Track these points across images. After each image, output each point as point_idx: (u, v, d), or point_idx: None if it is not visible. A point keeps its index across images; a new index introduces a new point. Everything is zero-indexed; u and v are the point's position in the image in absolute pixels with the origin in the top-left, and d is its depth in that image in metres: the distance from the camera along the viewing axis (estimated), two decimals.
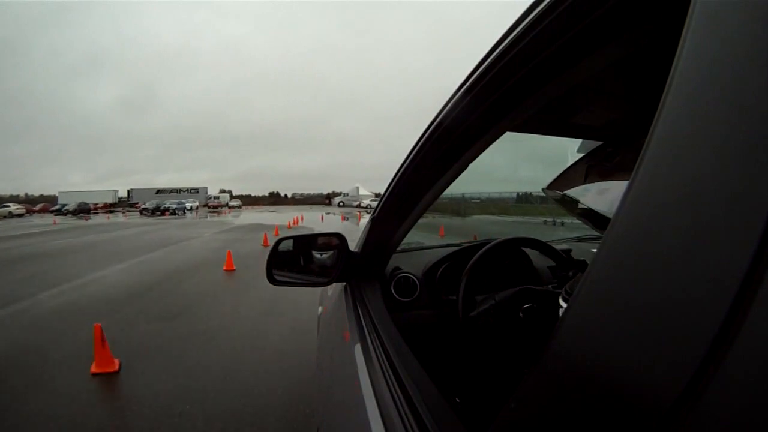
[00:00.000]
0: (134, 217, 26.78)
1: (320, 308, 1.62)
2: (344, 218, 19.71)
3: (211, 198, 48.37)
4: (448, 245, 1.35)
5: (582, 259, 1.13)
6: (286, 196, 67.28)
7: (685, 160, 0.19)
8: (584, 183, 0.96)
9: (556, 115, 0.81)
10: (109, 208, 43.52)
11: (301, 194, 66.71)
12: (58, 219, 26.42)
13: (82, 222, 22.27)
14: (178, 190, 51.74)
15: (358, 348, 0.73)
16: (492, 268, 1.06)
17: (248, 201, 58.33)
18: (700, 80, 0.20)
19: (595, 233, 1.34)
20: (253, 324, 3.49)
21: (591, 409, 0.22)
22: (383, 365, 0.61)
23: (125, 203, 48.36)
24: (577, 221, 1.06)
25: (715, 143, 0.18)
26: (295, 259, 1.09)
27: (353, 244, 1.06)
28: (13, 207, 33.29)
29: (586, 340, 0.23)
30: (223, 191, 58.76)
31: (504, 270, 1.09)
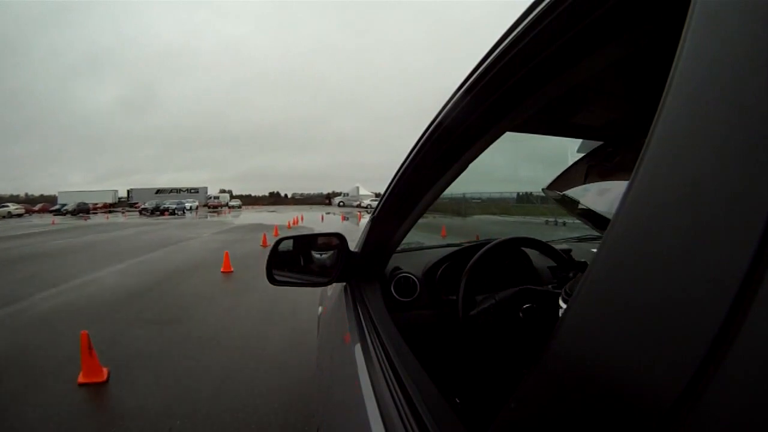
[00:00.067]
0: (133, 217, 26.67)
1: (320, 308, 1.62)
2: (344, 218, 19.70)
3: (211, 198, 48.35)
4: (448, 245, 1.35)
5: (583, 260, 1.13)
6: (286, 196, 67.29)
7: (685, 160, 0.19)
8: (584, 183, 0.96)
9: (556, 115, 0.81)
10: (109, 208, 43.52)
11: (301, 194, 66.72)
12: (57, 219, 26.30)
13: (81, 222, 22.17)
14: (178, 190, 51.72)
15: (358, 348, 0.73)
16: (492, 268, 1.06)
17: (248, 201, 58.33)
18: (700, 80, 0.20)
19: (595, 233, 1.34)
20: (249, 330, 3.36)
21: (591, 409, 0.22)
22: (383, 365, 0.61)
23: (125, 203, 48.36)
24: (578, 221, 1.06)
25: (715, 143, 0.18)
26: (295, 259, 1.09)
27: (353, 244, 1.06)
28: (12, 207, 33.20)
29: (586, 340, 0.23)
30: (223, 191, 58.80)
31: (504, 270, 1.09)
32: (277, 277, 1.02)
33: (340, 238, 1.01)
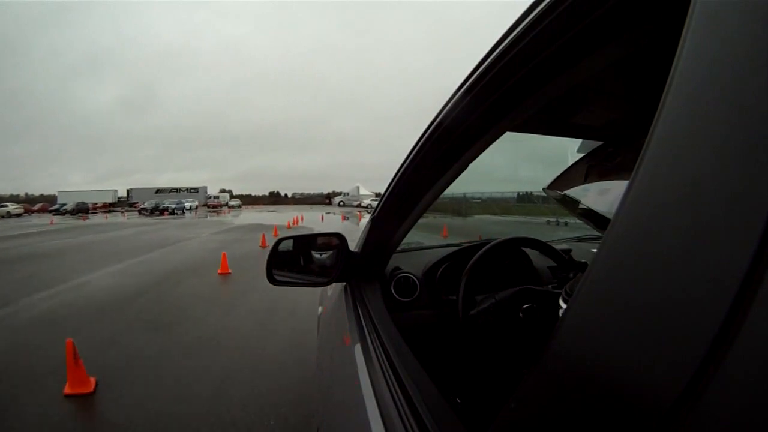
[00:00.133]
0: (133, 217, 26.55)
1: (320, 308, 1.62)
2: (344, 218, 19.67)
3: (210, 198, 48.36)
4: (449, 245, 1.35)
5: (583, 260, 1.13)
6: (286, 195, 67.31)
7: (685, 160, 0.19)
8: (584, 183, 0.96)
9: (556, 115, 0.81)
10: (108, 207, 43.48)
11: (302, 194, 66.73)
12: (56, 219, 26.18)
13: (80, 222, 22.05)
14: (178, 190, 51.71)
15: (358, 348, 0.73)
16: (492, 268, 1.06)
17: (248, 201, 58.35)
18: (700, 80, 0.20)
19: (596, 233, 1.34)
20: (246, 337, 3.21)
21: (591, 409, 0.22)
22: (383, 365, 0.61)
23: (125, 203, 48.35)
24: (579, 221, 1.06)
25: (715, 143, 0.18)
26: (295, 259, 1.09)
27: (353, 245, 1.06)
28: (11, 207, 33.07)
29: (586, 340, 0.23)
30: (223, 191, 58.80)
31: (504, 270, 1.09)
32: (277, 277, 1.02)
33: (340, 238, 1.01)
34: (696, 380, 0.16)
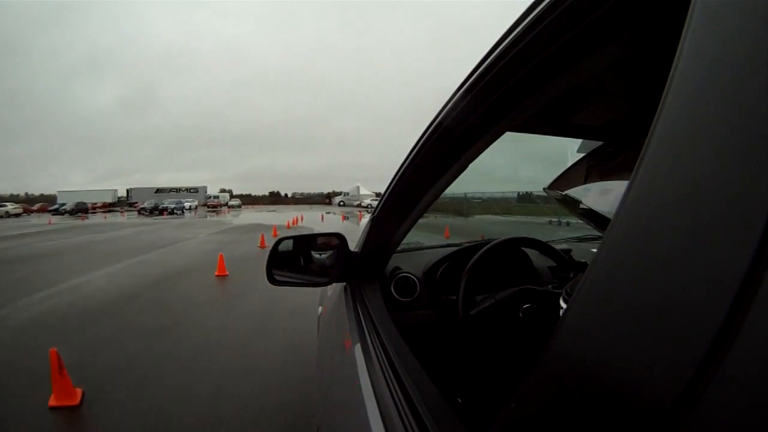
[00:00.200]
0: (132, 217, 26.45)
1: (320, 308, 1.62)
2: (345, 218, 19.65)
3: (210, 197, 48.35)
4: (449, 245, 1.35)
5: (583, 261, 1.13)
6: (286, 195, 67.31)
7: (685, 160, 0.19)
8: (585, 183, 0.96)
9: (556, 115, 0.81)
10: (108, 207, 43.44)
11: (302, 194, 66.74)
12: (55, 219, 26.05)
13: (78, 222, 21.92)
14: (178, 190, 51.71)
15: (358, 348, 0.73)
16: (492, 268, 1.06)
17: (248, 200, 58.37)
18: (700, 80, 0.20)
19: (596, 233, 1.34)
20: (241, 345, 3.06)
21: (591, 409, 0.22)
22: (383, 365, 0.61)
23: (124, 203, 48.34)
24: (580, 221, 1.06)
25: (715, 143, 0.18)
26: (295, 259, 1.09)
27: (354, 245, 1.06)
28: (10, 207, 32.94)
29: (586, 340, 0.23)
30: (223, 191, 58.79)
31: (504, 270, 1.09)
32: (277, 277, 1.02)
33: (340, 238, 1.01)
34: (696, 380, 0.16)
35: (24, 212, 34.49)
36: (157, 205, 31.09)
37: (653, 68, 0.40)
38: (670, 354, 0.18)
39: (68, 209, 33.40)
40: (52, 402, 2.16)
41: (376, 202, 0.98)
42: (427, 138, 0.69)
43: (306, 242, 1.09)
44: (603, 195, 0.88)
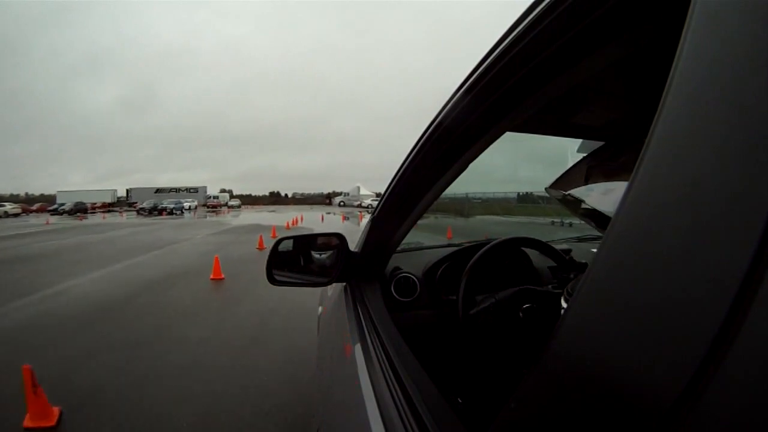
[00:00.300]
0: (131, 217, 26.30)
1: (320, 308, 1.62)
2: (345, 218, 19.62)
3: (210, 198, 48.34)
4: (449, 245, 1.35)
5: (584, 261, 1.13)
6: (286, 195, 67.32)
7: (685, 160, 0.19)
8: (585, 183, 0.96)
9: (556, 115, 0.81)
10: (108, 207, 43.40)
11: (302, 194, 66.75)
12: (54, 219, 25.84)
13: (77, 222, 21.74)
14: (177, 190, 51.69)
15: (358, 348, 0.73)
16: (492, 268, 1.06)
17: (248, 201, 58.37)
18: (700, 80, 0.20)
19: (596, 233, 1.34)
20: (236, 358, 2.85)
21: (591, 409, 0.22)
22: (383, 365, 0.61)
23: (124, 203, 48.33)
24: (582, 221, 1.06)
25: (715, 143, 0.18)
26: (295, 259, 1.09)
27: (354, 245, 1.06)
28: (8, 206, 32.75)
29: (586, 340, 0.23)
30: (223, 191, 58.81)
31: (504, 270, 1.09)
32: (277, 277, 1.02)
33: (340, 238, 1.01)
34: (696, 380, 0.16)
35: (23, 212, 34.35)
36: (156, 205, 31.04)
37: (653, 68, 0.40)
38: (670, 354, 0.18)
39: (67, 209, 33.29)
40: (27, 423, 2.02)
41: (377, 203, 0.98)
42: (427, 138, 0.69)
43: (306, 242, 1.09)
44: (604, 195, 0.88)
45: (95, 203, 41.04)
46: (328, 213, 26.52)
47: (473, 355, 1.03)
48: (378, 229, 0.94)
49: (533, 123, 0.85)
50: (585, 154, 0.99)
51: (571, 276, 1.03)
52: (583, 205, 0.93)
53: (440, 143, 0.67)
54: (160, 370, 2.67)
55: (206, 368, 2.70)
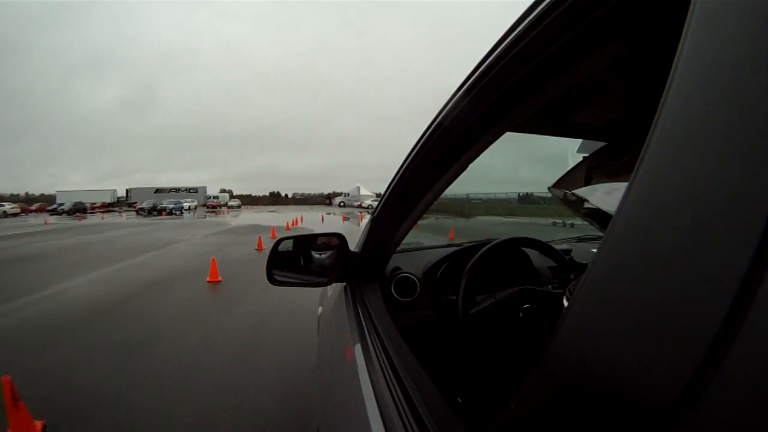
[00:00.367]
0: (130, 217, 26.18)
1: (320, 308, 1.62)
2: (345, 219, 19.59)
3: (210, 198, 48.33)
4: (449, 245, 1.35)
5: (584, 263, 1.13)
6: (286, 196, 67.31)
7: (685, 160, 0.19)
8: (585, 183, 0.96)
9: (556, 115, 0.81)
10: (107, 207, 43.36)
11: (302, 194, 66.74)
12: (52, 219, 25.71)
13: (75, 222, 21.61)
14: (177, 190, 51.67)
15: (358, 348, 0.73)
16: (492, 268, 1.06)
17: (248, 201, 58.37)
18: (700, 80, 0.20)
19: (596, 233, 1.34)
20: (231, 367, 2.69)
21: (591, 409, 0.22)
22: (383, 365, 0.61)
23: (124, 203, 48.32)
24: (584, 222, 1.06)
25: (715, 143, 0.18)
26: (295, 259, 1.09)
27: (354, 245, 1.06)
28: (7, 206, 32.67)
29: (586, 340, 0.23)
30: (223, 191, 58.82)
31: (504, 270, 1.09)
32: (277, 277, 1.02)
33: (340, 238, 1.01)
34: (696, 380, 0.16)
35: (22, 212, 34.29)
36: (156, 205, 31.00)
37: (653, 68, 0.40)
38: (670, 354, 0.18)
39: (66, 209, 33.24)
40: None
41: (377, 203, 0.98)
42: (427, 138, 0.69)
43: (306, 242, 1.09)
44: (607, 194, 0.88)
45: (94, 203, 41.02)
46: (328, 213, 26.43)
47: (473, 355, 1.03)
48: (378, 229, 0.94)
49: (533, 123, 0.85)
50: (585, 154, 0.99)
51: (572, 277, 1.03)
52: (586, 205, 0.93)
53: (440, 143, 0.67)
54: (153, 379, 2.53)
55: (202, 376, 2.55)
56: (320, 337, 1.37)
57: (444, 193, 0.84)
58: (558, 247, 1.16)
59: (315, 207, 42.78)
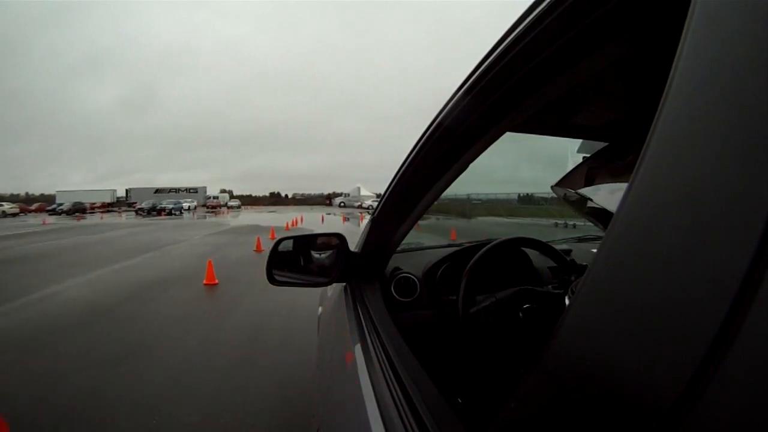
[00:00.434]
0: (130, 217, 26.08)
1: (320, 308, 1.62)
2: (345, 219, 19.56)
3: (210, 198, 48.33)
4: (449, 245, 1.35)
5: (585, 264, 1.13)
6: (286, 196, 67.32)
7: (685, 160, 0.19)
8: (585, 183, 0.96)
9: (556, 115, 0.81)
10: (107, 207, 43.34)
11: (302, 194, 66.77)
12: (51, 219, 25.54)
13: (74, 222, 21.47)
14: (177, 190, 51.69)
15: (358, 348, 0.73)
16: (492, 268, 1.06)
17: (248, 201, 58.38)
18: (700, 80, 0.20)
19: (596, 233, 1.34)
20: (225, 378, 2.53)
21: (591, 409, 0.22)
22: (383, 365, 0.61)
23: (123, 203, 48.32)
24: (586, 222, 1.06)
25: (715, 143, 0.18)
26: (295, 260, 1.09)
27: (354, 246, 1.06)
28: (6, 206, 32.56)
29: (586, 340, 0.23)
30: (223, 191, 58.82)
31: (504, 270, 1.09)
32: (277, 277, 1.02)
33: (340, 238, 1.01)
34: (696, 380, 0.16)
35: (21, 212, 34.19)
36: (155, 205, 30.97)
37: (653, 68, 0.40)
38: (670, 354, 0.18)
39: (65, 209, 33.17)
40: None
41: (377, 203, 0.98)
42: (427, 138, 0.69)
43: (306, 242, 1.09)
44: (609, 194, 0.88)
45: (94, 203, 41.01)
46: (329, 214, 26.37)
47: (473, 355, 1.03)
48: (378, 229, 0.94)
49: (533, 123, 0.85)
50: (585, 155, 0.99)
51: (572, 278, 1.03)
52: (588, 204, 0.93)
53: (440, 143, 0.67)
54: (142, 392, 2.40)
55: (196, 388, 2.43)
56: (320, 338, 1.37)
57: (444, 194, 0.84)
58: (558, 247, 1.16)
59: (315, 207, 42.66)
